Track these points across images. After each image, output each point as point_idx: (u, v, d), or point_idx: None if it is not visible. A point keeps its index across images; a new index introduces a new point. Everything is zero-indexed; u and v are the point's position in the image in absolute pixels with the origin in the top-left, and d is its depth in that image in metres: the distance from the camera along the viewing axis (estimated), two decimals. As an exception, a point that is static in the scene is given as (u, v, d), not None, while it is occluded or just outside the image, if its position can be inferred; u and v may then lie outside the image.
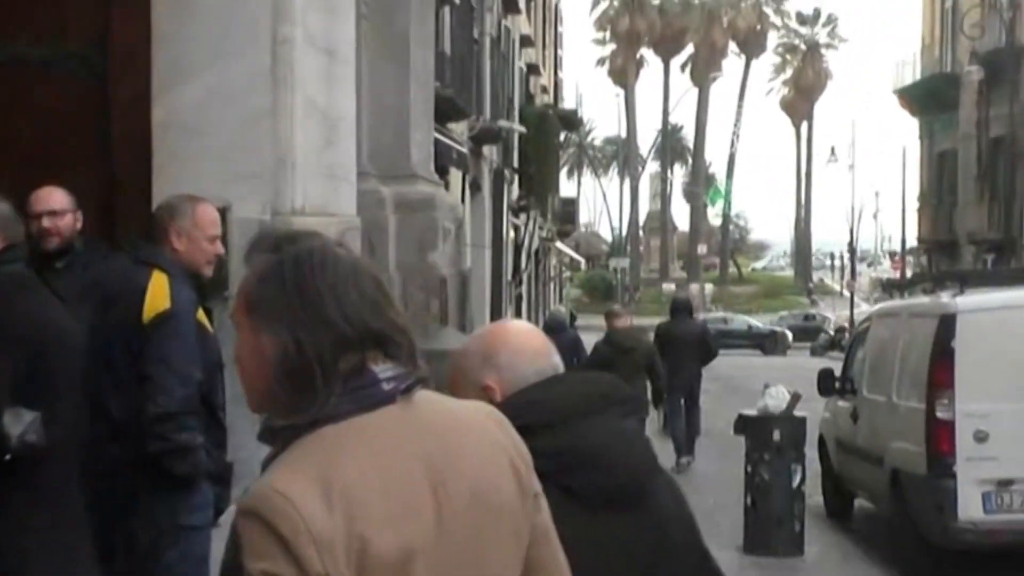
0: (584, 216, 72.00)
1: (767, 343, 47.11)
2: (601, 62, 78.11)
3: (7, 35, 5.81)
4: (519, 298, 25.80)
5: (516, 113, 22.80)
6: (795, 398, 9.17)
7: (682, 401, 14.43)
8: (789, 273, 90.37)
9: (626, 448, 2.44)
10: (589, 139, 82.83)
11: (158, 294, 4.23)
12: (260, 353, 1.75)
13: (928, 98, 39.12)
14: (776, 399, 9.11)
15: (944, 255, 37.10)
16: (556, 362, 2.46)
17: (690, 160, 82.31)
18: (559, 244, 41.24)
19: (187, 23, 5.85)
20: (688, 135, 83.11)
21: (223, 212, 5.77)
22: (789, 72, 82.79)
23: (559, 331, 16.37)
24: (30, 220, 4.70)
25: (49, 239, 4.80)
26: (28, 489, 3.62)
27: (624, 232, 73.52)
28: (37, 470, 3.63)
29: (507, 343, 2.43)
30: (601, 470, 2.36)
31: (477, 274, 18.00)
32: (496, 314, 18.20)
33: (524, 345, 2.44)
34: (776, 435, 9.01)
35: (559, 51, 42.47)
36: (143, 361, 4.15)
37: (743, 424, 9.33)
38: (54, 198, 4.91)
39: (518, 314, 25.42)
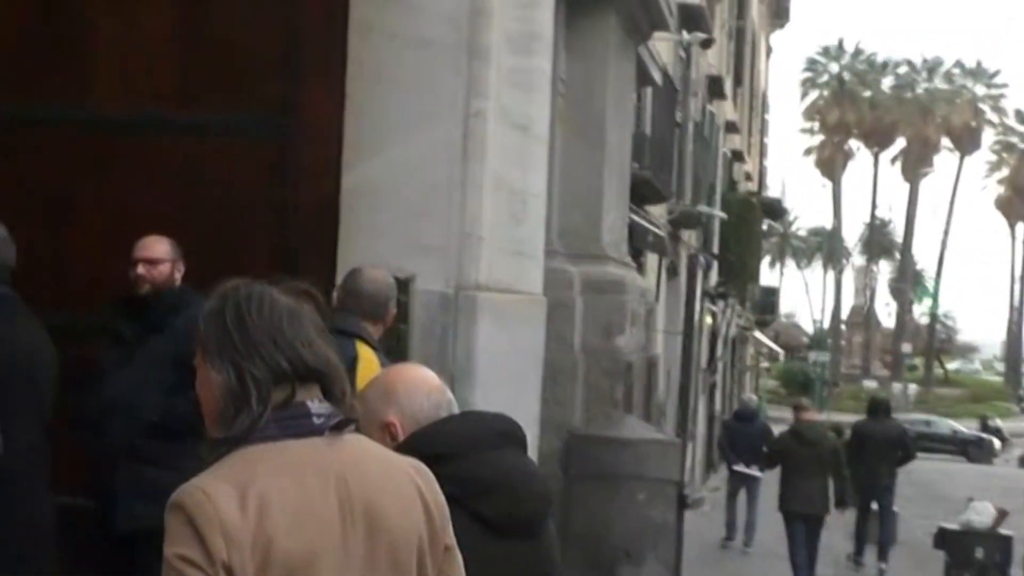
0: (785, 307, 70.62)
1: (972, 450, 45.05)
2: (808, 152, 77.03)
3: (192, 100, 5.85)
4: (713, 387, 25.26)
5: (718, 199, 22.47)
6: (1001, 515, 8.58)
7: (874, 504, 13.84)
8: (989, 376, 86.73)
9: (526, 480, 2.66)
10: (793, 228, 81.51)
11: (370, 369, 4.27)
12: (210, 385, 2.01)
13: None
14: (980, 514, 8.55)
15: None
16: (451, 398, 2.66)
17: (897, 255, 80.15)
18: (757, 334, 40.46)
19: (381, 93, 5.81)
20: (896, 229, 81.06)
21: (407, 283, 5.71)
22: (1005, 171, 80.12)
23: (749, 419, 15.97)
24: (130, 265, 4.93)
25: (141, 285, 4.95)
26: None
27: (825, 325, 71.88)
28: None
29: (403, 380, 2.64)
30: (511, 499, 2.58)
31: (671, 360, 17.63)
32: (684, 402, 17.78)
33: (419, 381, 2.64)
34: (979, 553, 8.44)
35: (765, 139, 41.98)
36: None
37: (943, 538, 8.79)
38: (154, 247, 5.06)
39: (711, 403, 24.88)
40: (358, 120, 5.82)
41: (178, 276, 5.07)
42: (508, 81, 5.92)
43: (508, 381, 5.80)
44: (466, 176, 5.78)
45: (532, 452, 6.02)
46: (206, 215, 5.78)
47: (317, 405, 2.02)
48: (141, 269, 4.97)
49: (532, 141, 6.04)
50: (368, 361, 4.37)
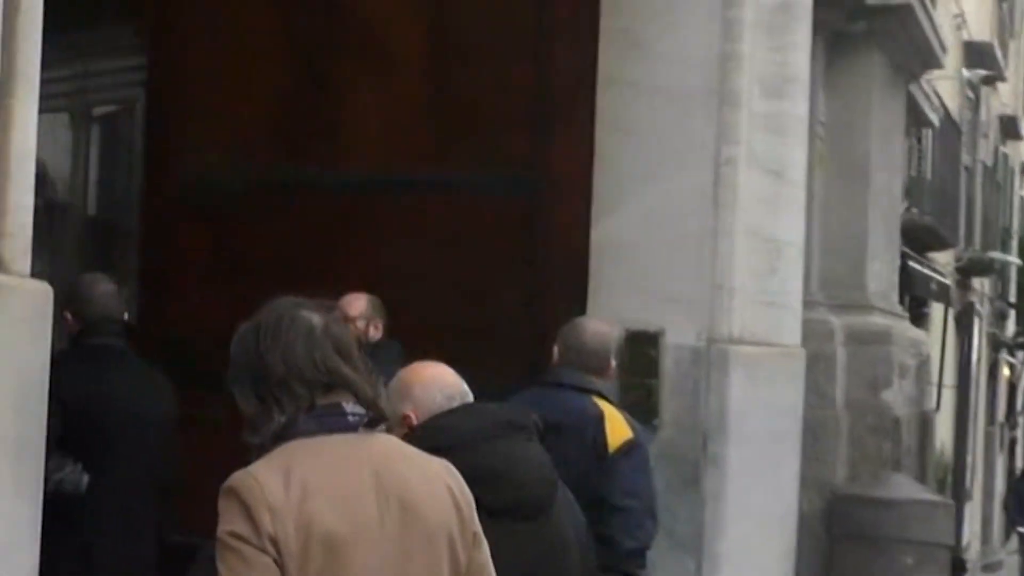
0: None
1: None
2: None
3: (442, 159, 5.91)
4: (1013, 442, 23.85)
5: (1014, 244, 21.28)
6: None
7: None
8: None
9: (528, 467, 2.92)
10: (1105, 275, 76.37)
11: (617, 423, 4.26)
12: (239, 401, 2.27)
13: None
14: None
15: None
16: (465, 390, 2.90)
17: None
18: (1065, 386, 38.05)
19: (629, 144, 5.72)
20: None
21: (656, 337, 5.59)
22: None
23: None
24: None
25: None
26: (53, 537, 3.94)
27: None
28: (69, 520, 4.00)
29: (420, 377, 2.92)
30: (513, 487, 2.84)
31: (963, 416, 16.74)
32: (959, 459, 16.85)
33: (434, 378, 2.92)
34: None
35: (1070, 180, 39.59)
36: (610, 492, 4.15)
37: None
38: (351, 305, 5.07)
39: (1011, 459, 23.50)
40: (606, 173, 5.75)
41: (374, 333, 5.11)
42: (761, 126, 5.74)
43: (764, 438, 5.58)
44: (717, 225, 5.62)
45: (792, 511, 5.81)
46: (457, 272, 5.80)
47: (352, 406, 2.24)
48: None
49: (787, 187, 5.83)
50: (614, 417, 4.31)
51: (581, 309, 5.64)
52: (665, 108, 5.70)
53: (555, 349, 4.45)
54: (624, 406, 4.97)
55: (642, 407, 5.40)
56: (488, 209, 5.86)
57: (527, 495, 2.89)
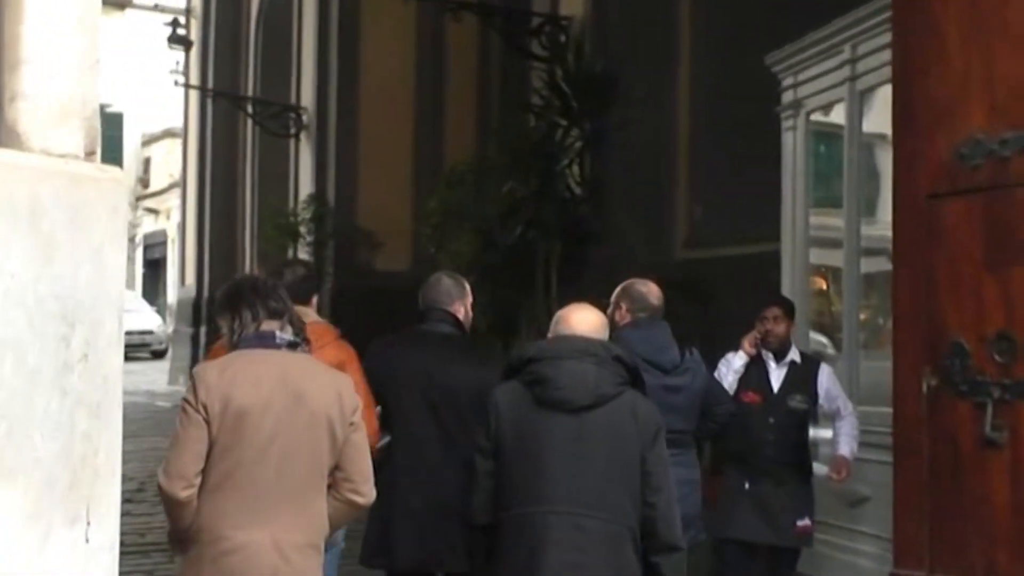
0: None
1: None
2: None
3: None
4: None
5: None
6: None
7: None
8: None
9: (574, 379, 4.21)
10: None
11: None
12: (222, 324, 4.02)
13: None
14: None
15: None
16: (577, 329, 4.42)
17: None
18: None
19: None
20: None
21: None
22: None
23: None
24: None
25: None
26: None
27: None
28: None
29: (566, 319, 4.48)
30: (554, 388, 4.20)
31: None
32: None
33: (571, 321, 4.46)
34: None
35: None
36: None
37: None
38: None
39: None
40: None
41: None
42: None
43: None
44: None
45: None
46: None
47: (280, 333, 3.87)
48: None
49: None
50: None
51: None
52: None
53: None
54: None
55: None
56: None
57: (564, 395, 4.18)
